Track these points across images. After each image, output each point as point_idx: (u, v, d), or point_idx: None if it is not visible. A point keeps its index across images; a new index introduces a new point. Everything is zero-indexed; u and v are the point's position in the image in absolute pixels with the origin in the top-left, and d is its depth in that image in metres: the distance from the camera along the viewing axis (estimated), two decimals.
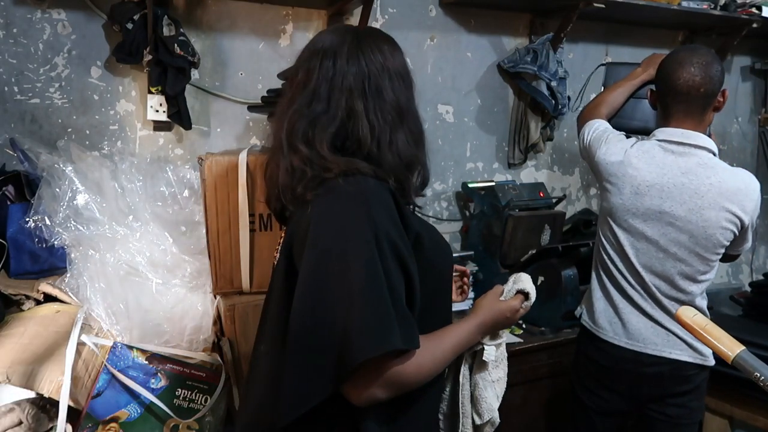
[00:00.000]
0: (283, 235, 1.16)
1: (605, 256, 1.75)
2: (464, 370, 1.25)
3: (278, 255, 1.15)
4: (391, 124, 1.07)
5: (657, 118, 1.75)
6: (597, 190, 2.69)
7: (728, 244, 1.64)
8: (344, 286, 0.95)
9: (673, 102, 1.65)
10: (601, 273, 1.77)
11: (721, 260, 1.70)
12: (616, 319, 1.73)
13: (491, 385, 1.25)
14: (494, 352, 1.23)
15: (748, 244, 1.72)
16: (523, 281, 1.24)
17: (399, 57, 1.12)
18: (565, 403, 1.92)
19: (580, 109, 2.70)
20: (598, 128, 1.81)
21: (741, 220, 1.61)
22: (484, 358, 1.22)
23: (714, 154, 1.65)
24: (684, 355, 1.67)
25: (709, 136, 1.69)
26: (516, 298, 1.23)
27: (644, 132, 1.86)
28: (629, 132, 1.88)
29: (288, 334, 0.99)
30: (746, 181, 1.62)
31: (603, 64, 2.22)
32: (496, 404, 1.26)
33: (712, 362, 1.69)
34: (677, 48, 1.74)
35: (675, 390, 1.70)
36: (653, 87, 1.76)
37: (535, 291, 1.25)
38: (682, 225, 1.61)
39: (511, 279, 1.26)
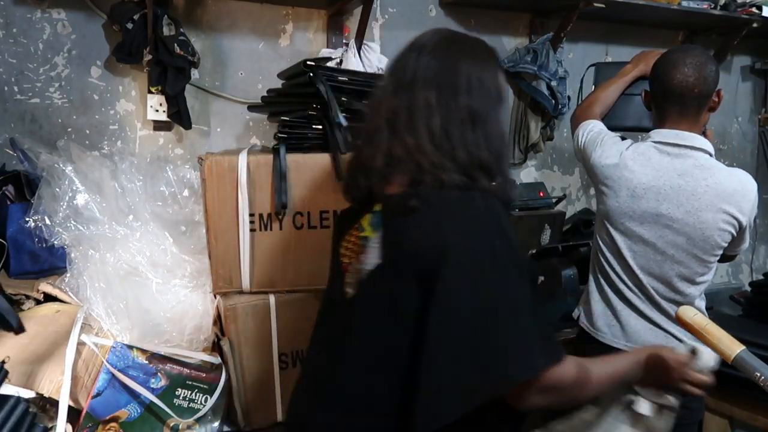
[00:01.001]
0: (356, 235, 1.13)
1: (602, 259, 1.74)
2: (610, 417, 1.19)
3: (360, 260, 1.10)
4: (460, 123, 1.06)
5: (652, 119, 1.75)
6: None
7: (726, 245, 1.64)
8: (498, 304, 0.97)
9: (668, 103, 1.65)
10: (599, 275, 1.77)
11: (719, 261, 1.69)
12: (614, 321, 1.73)
13: None
14: (649, 409, 1.16)
15: (746, 244, 1.71)
16: (703, 354, 1.17)
17: (491, 68, 1.11)
18: None
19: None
20: (593, 130, 1.80)
21: (739, 221, 1.61)
22: (636, 409, 1.17)
23: (710, 155, 1.64)
24: None
25: (704, 134, 1.68)
26: (686, 355, 1.17)
27: (637, 130, 1.85)
28: (623, 131, 1.88)
29: (427, 346, 0.97)
30: (743, 182, 1.62)
31: (592, 65, 2.21)
32: None
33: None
34: (671, 48, 1.73)
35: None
36: (647, 88, 1.76)
37: (713, 360, 1.17)
38: (679, 227, 1.61)
39: (690, 347, 1.20)
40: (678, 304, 1.62)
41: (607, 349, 1.72)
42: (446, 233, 0.99)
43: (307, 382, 1.19)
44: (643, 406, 1.16)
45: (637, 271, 1.67)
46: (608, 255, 1.73)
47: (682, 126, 1.64)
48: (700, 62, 1.61)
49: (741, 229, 1.63)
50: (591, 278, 1.81)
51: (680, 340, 1.66)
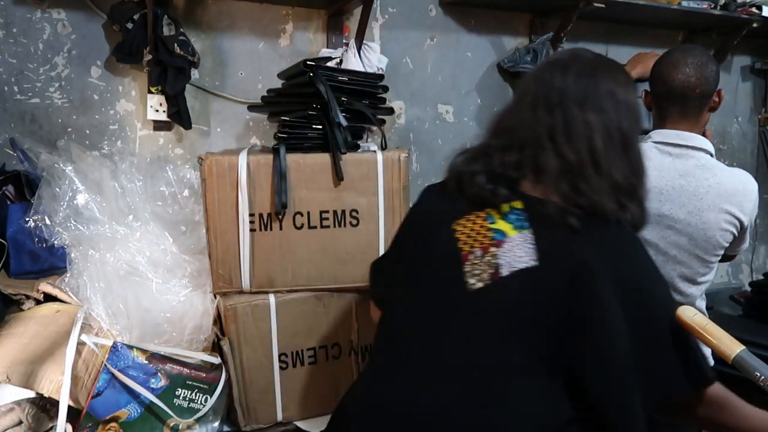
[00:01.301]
0: (482, 225, 1.12)
1: None
2: None
3: (490, 252, 1.09)
4: (618, 146, 1.09)
5: (652, 120, 1.74)
6: None
7: (728, 245, 1.64)
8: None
9: (669, 103, 1.64)
10: None
11: (720, 261, 1.69)
12: None
13: None
14: None
15: (746, 244, 1.71)
16: None
17: (632, 91, 1.15)
18: None
19: None
20: None
21: (740, 221, 1.60)
22: None
23: (711, 155, 1.64)
24: None
25: (704, 134, 1.68)
26: None
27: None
28: None
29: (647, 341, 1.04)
30: (744, 182, 1.62)
31: None
32: None
33: (710, 363, 1.69)
34: (671, 48, 1.72)
35: None
36: (647, 88, 1.75)
37: None
38: (681, 228, 1.60)
39: None
40: (679, 304, 1.62)
41: None
42: (625, 262, 1.06)
43: (409, 368, 1.10)
44: None
45: None
46: None
47: (682, 126, 1.63)
48: (702, 62, 1.60)
49: (742, 229, 1.63)
50: None
51: None
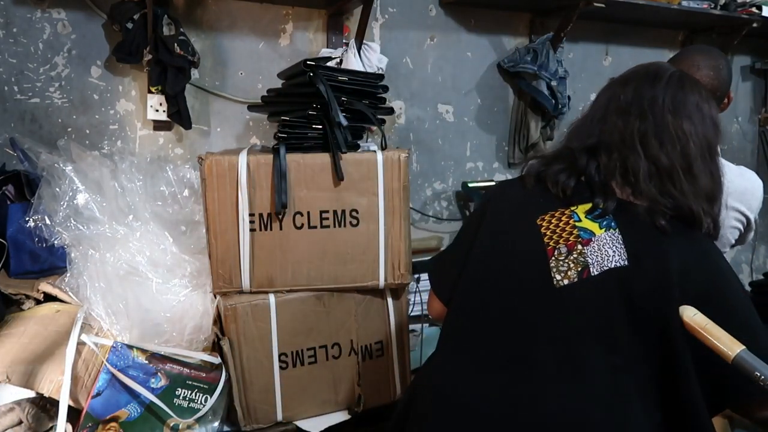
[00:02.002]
0: (568, 222, 1.13)
1: None
2: None
3: (577, 249, 1.10)
4: (706, 154, 1.14)
5: None
6: None
7: (734, 242, 1.65)
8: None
9: None
10: None
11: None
12: None
13: None
14: None
15: (752, 233, 1.74)
16: None
17: (714, 107, 1.19)
18: None
19: (581, 109, 2.69)
20: None
21: (747, 219, 1.64)
22: None
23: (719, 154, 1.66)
24: None
25: None
26: None
27: None
28: None
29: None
30: (752, 180, 1.65)
31: None
32: None
33: None
34: (688, 48, 1.75)
35: None
36: None
37: None
38: None
39: None
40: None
41: None
42: (713, 268, 1.09)
43: (506, 367, 1.09)
44: None
45: None
46: None
47: None
48: (719, 64, 1.64)
49: (748, 226, 1.66)
50: None
51: None
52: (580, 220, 1.11)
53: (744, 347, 1.17)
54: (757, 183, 1.65)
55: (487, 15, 2.52)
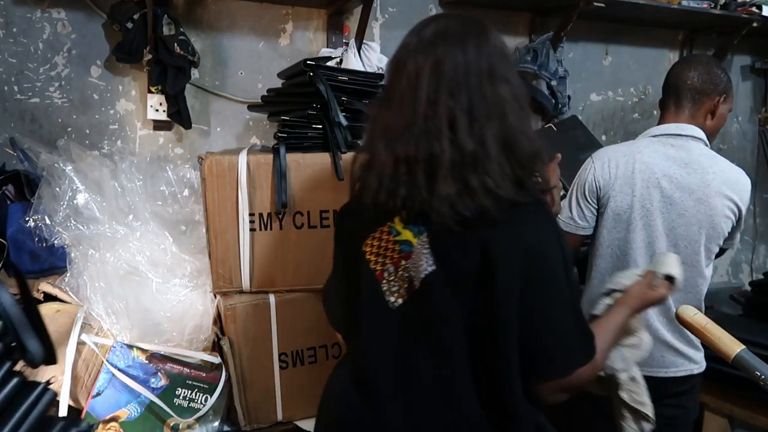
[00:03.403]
0: (388, 239, 1.08)
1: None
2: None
3: (402, 265, 1.07)
4: (522, 112, 1.04)
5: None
6: None
7: (726, 236, 1.68)
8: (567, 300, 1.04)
9: (665, 96, 1.75)
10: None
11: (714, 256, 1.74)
12: None
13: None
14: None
15: (737, 239, 1.76)
16: (670, 265, 1.27)
17: (500, 42, 1.11)
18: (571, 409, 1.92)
19: (581, 108, 2.70)
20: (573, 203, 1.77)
21: (739, 210, 1.66)
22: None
23: (706, 144, 1.70)
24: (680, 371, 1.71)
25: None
26: (663, 285, 1.26)
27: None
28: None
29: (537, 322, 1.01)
30: (742, 173, 1.69)
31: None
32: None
33: (703, 366, 1.72)
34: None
35: (672, 391, 1.71)
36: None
37: (681, 274, 1.28)
38: (691, 215, 1.64)
39: (659, 262, 1.29)
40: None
41: None
42: (529, 242, 1.00)
43: (379, 386, 1.10)
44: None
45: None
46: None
47: (680, 119, 1.71)
48: (705, 62, 1.71)
49: (739, 218, 1.68)
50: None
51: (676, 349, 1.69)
52: (399, 234, 1.07)
53: (744, 347, 1.17)
54: (745, 177, 1.69)
55: (487, 14, 2.52)
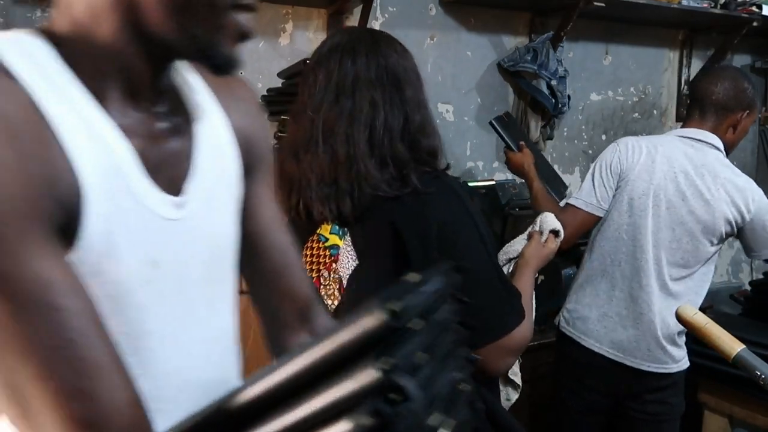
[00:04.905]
0: (318, 246, 1.11)
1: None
2: None
3: (335, 269, 1.11)
4: (412, 116, 1.09)
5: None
6: None
7: (719, 241, 1.72)
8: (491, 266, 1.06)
9: (692, 107, 1.80)
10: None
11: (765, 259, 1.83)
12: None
13: None
14: None
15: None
16: (550, 221, 1.34)
17: (411, 58, 1.14)
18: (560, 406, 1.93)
19: (581, 108, 2.70)
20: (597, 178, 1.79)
21: (743, 218, 1.70)
22: None
23: (723, 154, 1.76)
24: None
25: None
26: (551, 239, 1.33)
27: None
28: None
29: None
30: (750, 181, 1.75)
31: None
32: None
33: (684, 365, 1.78)
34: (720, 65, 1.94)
35: (652, 385, 1.73)
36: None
37: (562, 228, 1.36)
38: (699, 214, 1.69)
39: (539, 221, 1.34)
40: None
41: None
42: (437, 216, 1.03)
43: None
44: None
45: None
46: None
47: (702, 128, 1.76)
48: (731, 76, 1.75)
49: (743, 227, 1.72)
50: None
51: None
52: (327, 239, 1.12)
53: (744, 346, 1.17)
54: (755, 186, 1.74)
55: (487, 14, 2.52)
